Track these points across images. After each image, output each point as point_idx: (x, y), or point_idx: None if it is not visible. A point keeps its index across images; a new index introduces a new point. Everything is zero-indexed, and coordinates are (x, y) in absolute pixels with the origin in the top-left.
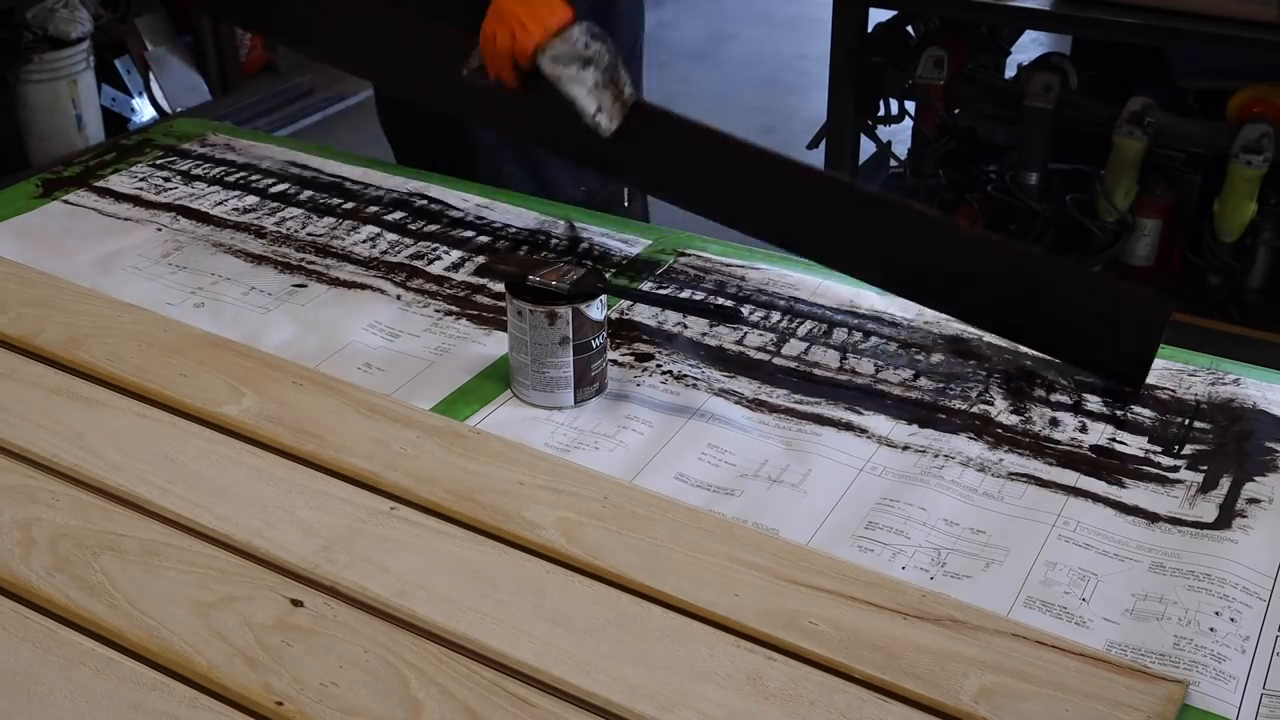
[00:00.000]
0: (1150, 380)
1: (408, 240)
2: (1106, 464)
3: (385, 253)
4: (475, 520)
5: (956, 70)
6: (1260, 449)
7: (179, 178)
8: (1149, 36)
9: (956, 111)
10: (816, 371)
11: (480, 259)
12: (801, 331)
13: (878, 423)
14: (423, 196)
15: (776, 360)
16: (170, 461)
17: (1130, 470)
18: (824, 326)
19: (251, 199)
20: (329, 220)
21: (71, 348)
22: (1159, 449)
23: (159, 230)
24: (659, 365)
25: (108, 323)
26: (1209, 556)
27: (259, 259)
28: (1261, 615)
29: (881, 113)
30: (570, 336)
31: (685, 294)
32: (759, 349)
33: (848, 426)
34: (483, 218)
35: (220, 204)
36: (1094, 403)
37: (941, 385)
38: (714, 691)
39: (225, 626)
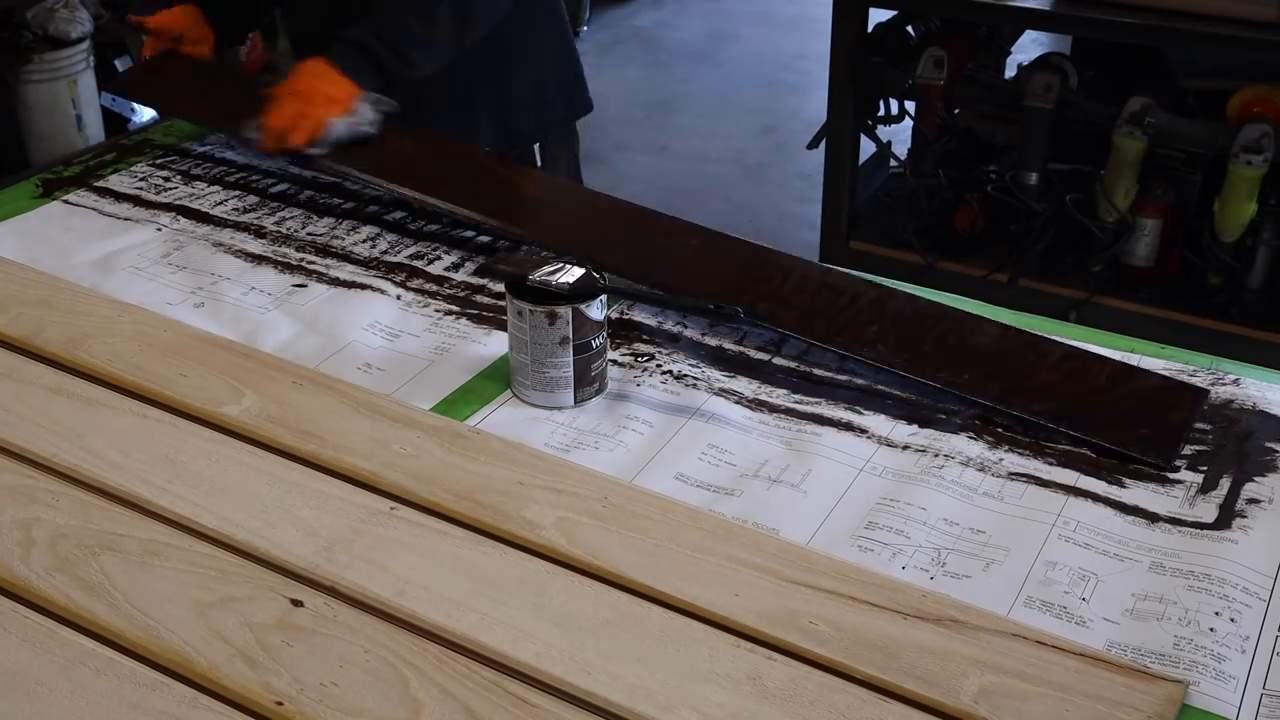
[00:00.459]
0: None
1: (408, 240)
2: (1106, 464)
3: (385, 253)
4: (475, 520)
5: (956, 70)
6: (1260, 449)
7: (179, 177)
8: (1149, 36)
9: (956, 111)
10: (816, 371)
11: (480, 259)
12: None
13: (878, 423)
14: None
15: (776, 360)
16: (170, 461)
17: (1130, 470)
18: None
19: (251, 199)
20: (329, 220)
21: (71, 348)
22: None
23: (159, 230)
24: (659, 365)
25: (108, 323)
26: (1209, 557)
27: (259, 259)
28: (1261, 615)
29: (881, 113)
30: (570, 336)
31: (685, 294)
32: (759, 349)
33: (848, 426)
34: None
35: (220, 204)
36: None
37: (941, 385)
38: (714, 691)
39: (225, 626)
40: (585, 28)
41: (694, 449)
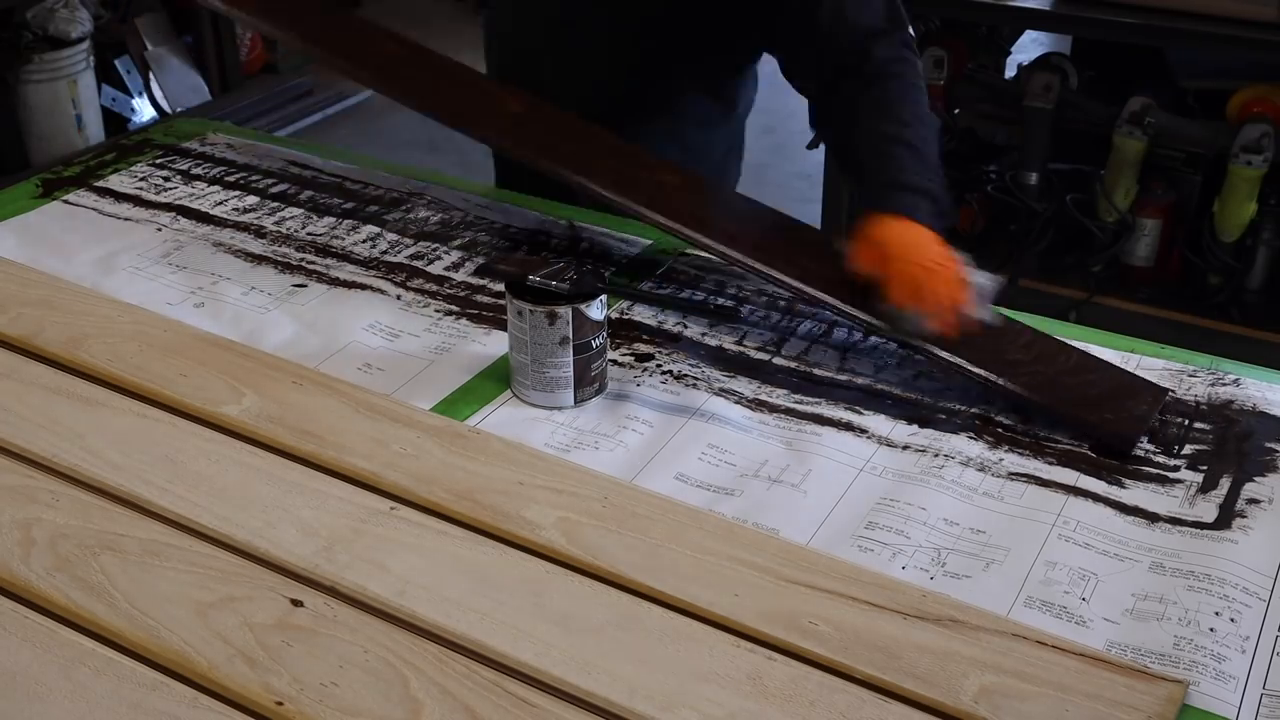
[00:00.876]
0: (1151, 380)
1: (408, 240)
2: (1106, 464)
3: (385, 253)
4: (475, 520)
5: (956, 70)
6: (1260, 449)
7: (179, 177)
8: (1149, 36)
9: (956, 111)
10: (816, 371)
11: (480, 259)
12: (801, 331)
13: (878, 423)
14: (423, 196)
15: (776, 360)
16: (170, 461)
17: (1130, 470)
18: (824, 326)
19: (251, 199)
20: (329, 220)
21: (71, 348)
22: (1159, 449)
23: (159, 230)
24: (659, 365)
25: (108, 323)
26: (1209, 556)
27: (259, 259)
28: (1261, 615)
29: None
30: (570, 336)
31: (685, 294)
32: (759, 349)
33: (848, 426)
34: (483, 218)
35: (220, 204)
36: None
37: (942, 386)
38: (714, 691)
39: (225, 626)
40: None
41: (694, 449)
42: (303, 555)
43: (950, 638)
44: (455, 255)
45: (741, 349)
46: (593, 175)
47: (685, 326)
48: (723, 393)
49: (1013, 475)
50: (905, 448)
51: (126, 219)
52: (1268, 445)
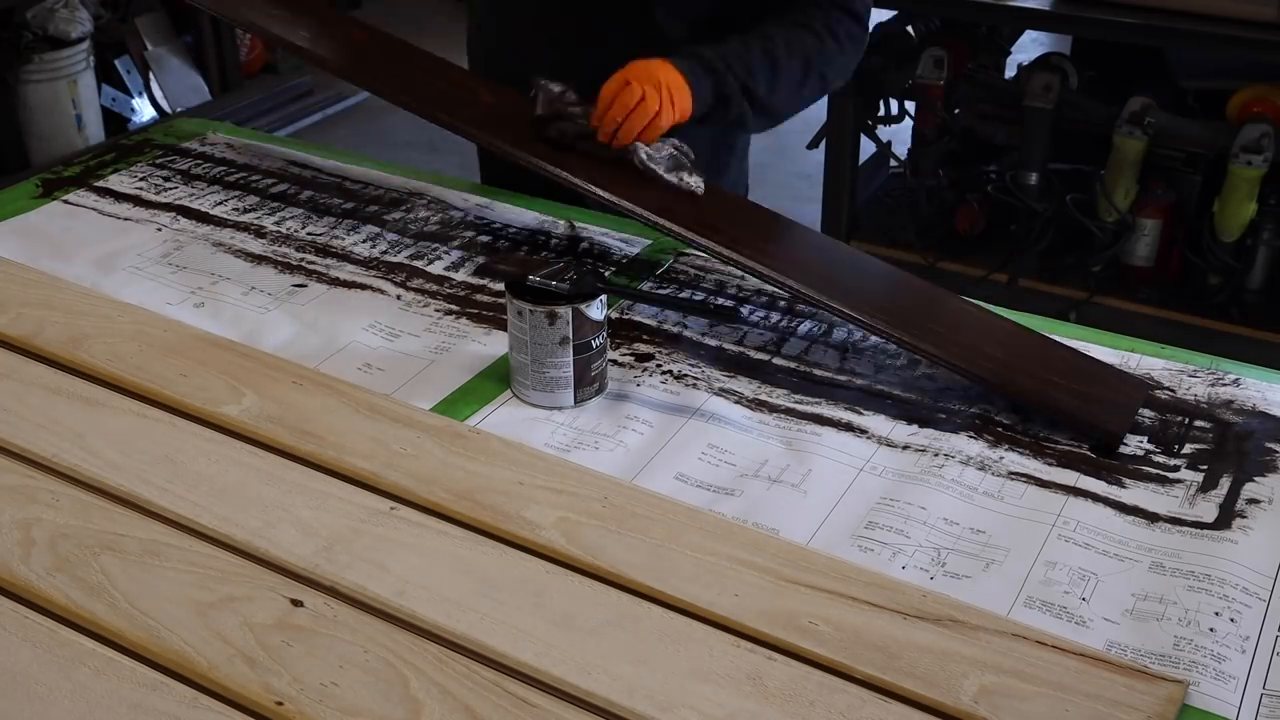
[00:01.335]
0: (1150, 380)
1: (407, 240)
2: (1106, 464)
3: (385, 253)
4: (475, 520)
5: (956, 70)
6: (1260, 449)
7: (179, 177)
8: (1149, 36)
9: (956, 111)
10: (816, 371)
11: (480, 259)
12: (801, 331)
13: (878, 423)
14: (423, 196)
15: (776, 360)
16: (170, 461)
17: (1130, 470)
18: (824, 326)
19: (251, 199)
20: (329, 220)
21: (71, 348)
22: (1159, 449)
23: (159, 230)
24: (659, 365)
25: (108, 323)
26: (1209, 557)
27: (259, 259)
28: (1261, 615)
29: (881, 113)
30: (570, 336)
31: (685, 294)
32: (759, 349)
33: (848, 426)
34: (483, 218)
35: (220, 204)
36: None
37: (941, 385)
38: (714, 691)
39: (225, 626)
40: None
41: (694, 449)
42: (303, 555)
43: (950, 638)
44: (455, 255)
45: (741, 349)
46: (566, 167)
47: (685, 326)
48: (723, 393)
49: (1013, 475)
50: (905, 447)
51: (126, 219)
52: (1268, 445)
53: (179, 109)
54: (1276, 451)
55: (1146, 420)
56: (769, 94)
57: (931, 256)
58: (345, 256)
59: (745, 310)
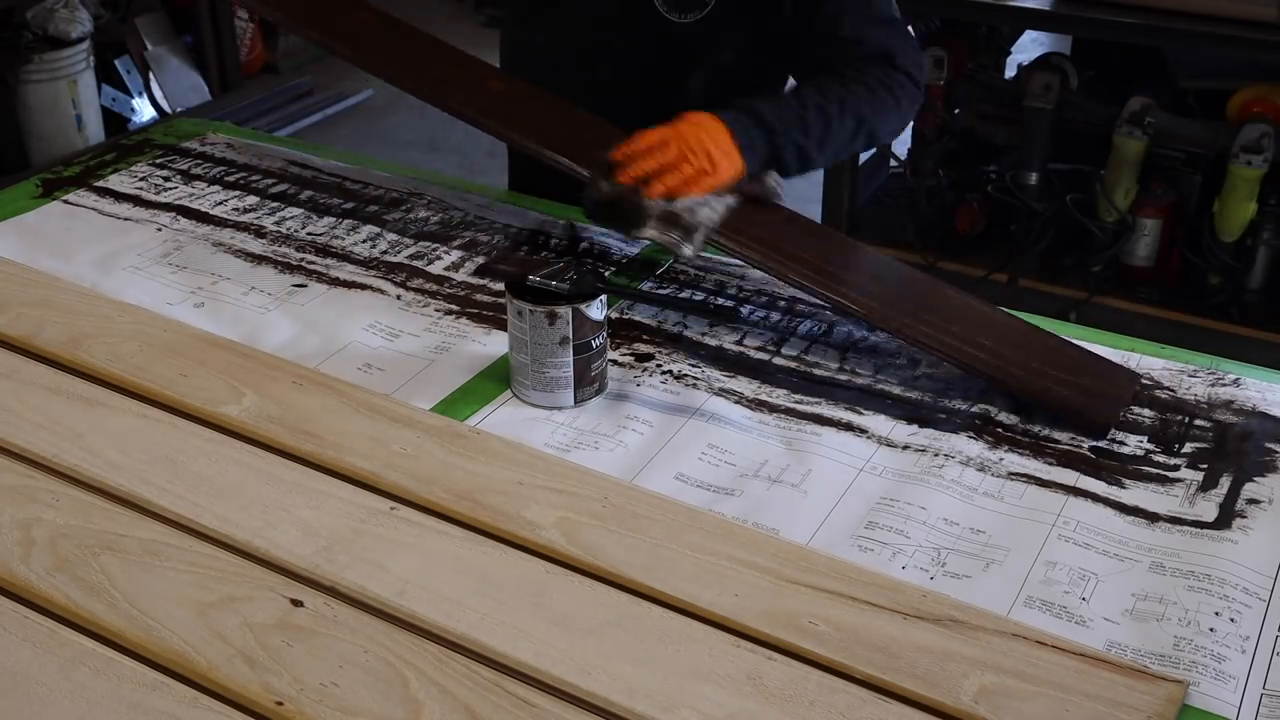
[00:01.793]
0: (1150, 380)
1: (408, 240)
2: (1106, 464)
3: (385, 253)
4: (475, 520)
5: (956, 70)
6: (1260, 449)
7: (179, 177)
8: (1149, 36)
9: (956, 111)
10: (816, 371)
11: (480, 259)
12: (801, 331)
13: (878, 423)
14: (422, 196)
15: (776, 360)
16: (170, 461)
17: (1130, 470)
18: (824, 326)
19: (251, 199)
20: (329, 220)
21: (71, 348)
22: (1159, 449)
23: (159, 230)
24: (659, 365)
25: (108, 323)
26: (1209, 556)
27: (259, 259)
28: (1261, 615)
29: None
30: (570, 336)
31: (685, 294)
32: (759, 349)
33: (848, 426)
34: (483, 218)
35: (220, 204)
36: None
37: (942, 385)
38: (714, 691)
39: (225, 626)
40: None
41: (694, 449)
42: (303, 555)
43: (950, 638)
44: (455, 255)
45: (741, 349)
46: (570, 153)
47: (685, 326)
48: (723, 393)
49: (1013, 475)
50: (905, 447)
51: (126, 219)
52: (1268, 445)
53: (179, 109)
54: (1276, 451)
55: (1146, 420)
56: (819, 154)
57: (931, 256)
58: (345, 256)
59: (745, 310)
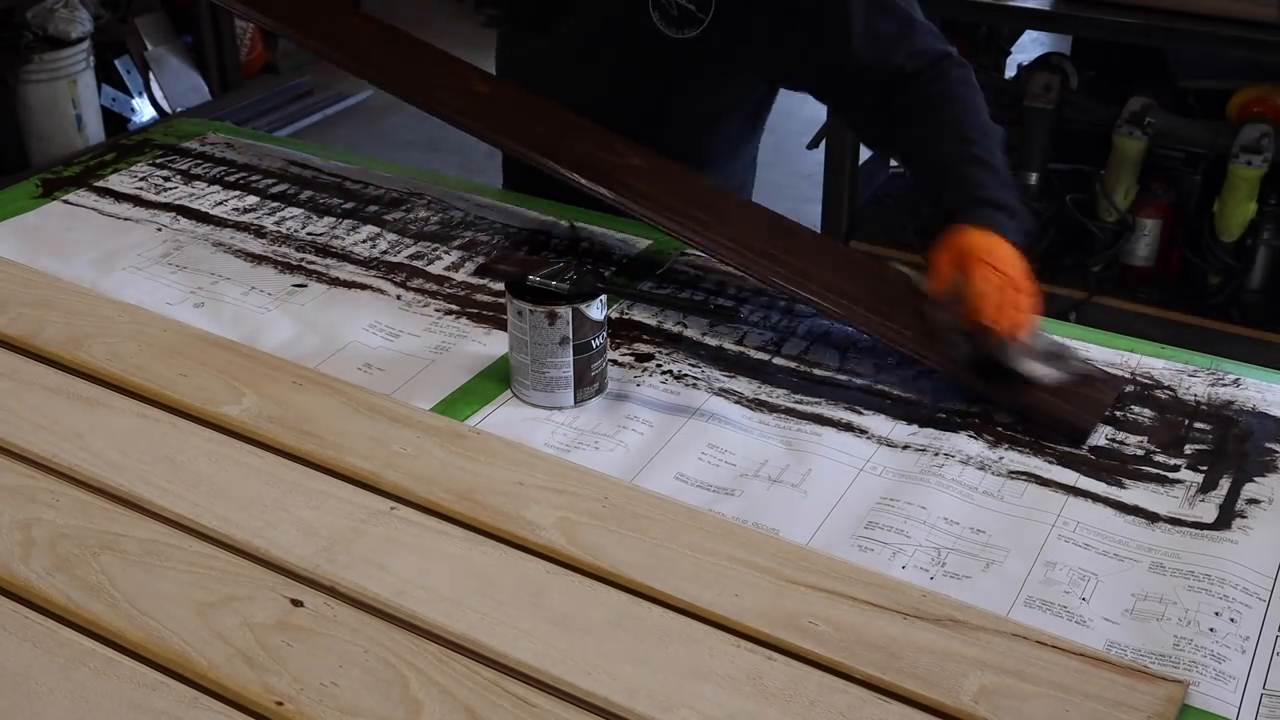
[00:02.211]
0: (1150, 380)
1: (408, 240)
2: (1106, 464)
3: (385, 253)
4: (475, 520)
5: None
6: (1260, 449)
7: (179, 177)
8: (1149, 36)
9: None
10: (816, 371)
11: (480, 259)
12: (801, 331)
13: (878, 423)
14: (423, 196)
15: (776, 360)
16: (170, 461)
17: (1130, 470)
18: (824, 326)
19: (251, 199)
20: (329, 220)
21: (71, 348)
22: (1159, 449)
23: (159, 230)
24: (659, 365)
25: (108, 323)
26: (1209, 557)
27: (259, 259)
28: (1261, 615)
29: None
30: (570, 336)
31: (685, 294)
32: (759, 349)
33: (848, 426)
34: (482, 218)
35: (220, 204)
36: None
37: (942, 385)
38: (714, 691)
39: (225, 626)
40: None
41: (694, 449)
42: (303, 555)
43: (950, 638)
44: (455, 255)
45: (741, 349)
46: (558, 157)
47: (685, 326)
48: (723, 393)
49: (1013, 474)
50: (905, 447)
51: (126, 219)
52: (1268, 445)
53: (179, 109)
54: (1276, 451)
55: (1146, 420)
56: (1017, 187)
57: None
58: (345, 256)
59: (745, 310)
